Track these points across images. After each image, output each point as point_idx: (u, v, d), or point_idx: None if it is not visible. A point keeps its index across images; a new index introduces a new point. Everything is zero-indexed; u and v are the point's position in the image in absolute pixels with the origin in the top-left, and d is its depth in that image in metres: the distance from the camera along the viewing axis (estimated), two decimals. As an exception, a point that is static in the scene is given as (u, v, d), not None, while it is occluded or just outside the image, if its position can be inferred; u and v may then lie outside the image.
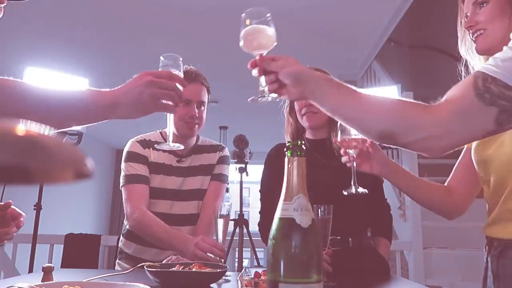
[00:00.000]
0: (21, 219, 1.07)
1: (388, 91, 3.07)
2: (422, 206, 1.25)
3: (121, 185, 1.59)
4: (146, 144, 1.62)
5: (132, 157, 1.58)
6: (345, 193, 1.19)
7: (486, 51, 1.03)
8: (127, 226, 1.62)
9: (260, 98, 0.93)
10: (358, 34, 3.53)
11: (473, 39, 1.04)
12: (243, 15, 0.93)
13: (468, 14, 1.05)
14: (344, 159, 1.18)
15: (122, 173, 1.59)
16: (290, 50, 3.86)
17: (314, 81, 0.88)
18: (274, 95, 0.92)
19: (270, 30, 0.93)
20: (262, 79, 0.92)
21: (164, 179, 1.60)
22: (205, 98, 1.63)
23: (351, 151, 1.16)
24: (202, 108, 1.62)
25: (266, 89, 0.91)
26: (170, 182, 1.60)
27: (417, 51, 5.00)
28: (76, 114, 0.90)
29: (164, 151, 1.59)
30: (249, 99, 0.96)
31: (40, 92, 0.87)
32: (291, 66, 0.88)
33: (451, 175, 1.26)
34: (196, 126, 1.59)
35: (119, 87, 0.92)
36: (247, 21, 0.92)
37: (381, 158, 1.19)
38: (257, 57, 0.91)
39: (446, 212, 1.25)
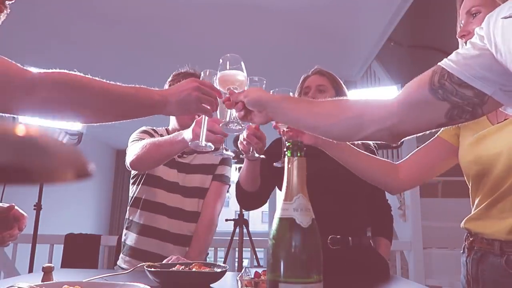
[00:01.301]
0: (24, 220, 1.09)
1: (388, 91, 3.07)
2: (362, 178, 1.27)
3: (128, 147, 1.58)
4: (154, 131, 1.71)
5: (143, 131, 1.66)
6: (276, 164, 1.20)
7: None
8: (130, 219, 1.65)
9: (231, 126, 1.10)
10: (358, 34, 3.53)
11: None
12: (221, 60, 1.11)
13: (463, 21, 1.06)
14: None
15: (131, 141, 1.60)
16: (290, 50, 3.86)
17: (273, 103, 1.00)
18: (243, 123, 1.10)
19: (242, 75, 1.10)
20: (233, 110, 1.08)
21: (166, 170, 1.62)
22: None
23: (281, 125, 1.17)
24: None
25: (236, 116, 1.07)
26: (172, 175, 1.63)
27: (417, 51, 5.00)
28: (131, 109, 1.02)
29: None
30: (220, 125, 1.14)
31: (103, 85, 0.95)
32: (252, 94, 1.01)
33: (409, 156, 1.27)
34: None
35: (166, 88, 1.09)
36: (227, 65, 1.10)
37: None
38: (228, 93, 1.08)
39: (386, 187, 1.31)
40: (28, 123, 2.14)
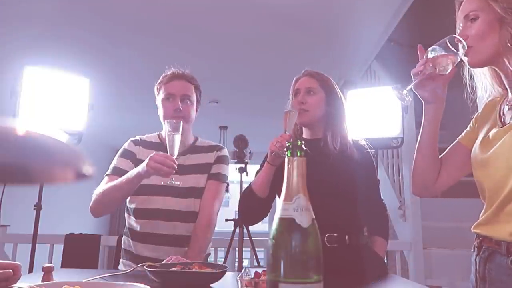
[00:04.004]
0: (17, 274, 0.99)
1: (388, 91, 3.07)
2: (414, 166, 1.21)
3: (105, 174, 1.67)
4: (139, 142, 1.71)
5: (122, 153, 1.70)
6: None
7: (475, 66, 1.07)
8: (127, 226, 1.68)
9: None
10: (358, 34, 3.53)
11: (464, 52, 1.05)
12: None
13: (461, 25, 1.06)
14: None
15: (111, 166, 1.69)
16: (290, 49, 3.84)
17: None
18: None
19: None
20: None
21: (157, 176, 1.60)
22: (191, 93, 1.68)
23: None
24: (188, 102, 1.66)
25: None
26: (164, 179, 1.60)
27: (417, 51, 4.98)
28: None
29: (157, 149, 1.58)
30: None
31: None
32: None
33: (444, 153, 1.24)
34: (182, 119, 1.55)
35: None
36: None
37: (436, 92, 1.14)
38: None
39: (428, 188, 1.24)
40: (28, 123, 2.13)
